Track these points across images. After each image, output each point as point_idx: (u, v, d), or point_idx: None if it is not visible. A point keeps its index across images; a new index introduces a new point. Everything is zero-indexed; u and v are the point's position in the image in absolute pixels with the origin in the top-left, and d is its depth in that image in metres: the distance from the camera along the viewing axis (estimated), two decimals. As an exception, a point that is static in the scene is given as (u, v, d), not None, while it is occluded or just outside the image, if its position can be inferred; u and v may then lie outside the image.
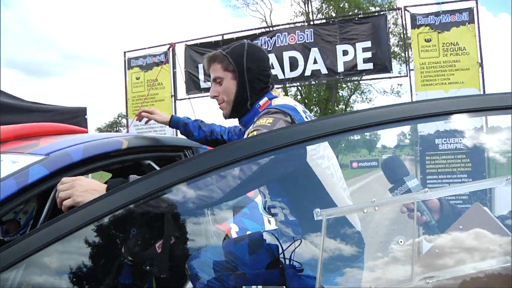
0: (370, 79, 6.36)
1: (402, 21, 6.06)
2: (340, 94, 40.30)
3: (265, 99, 1.72)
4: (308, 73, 6.20)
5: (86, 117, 6.60)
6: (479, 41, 5.82)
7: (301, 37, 6.22)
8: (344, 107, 41.89)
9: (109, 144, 1.81)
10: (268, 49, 6.28)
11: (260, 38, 6.38)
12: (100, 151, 1.74)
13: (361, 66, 6.13)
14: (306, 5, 39.60)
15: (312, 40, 6.20)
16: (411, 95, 6.13)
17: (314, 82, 6.83)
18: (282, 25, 6.83)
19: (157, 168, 2.07)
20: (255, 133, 1.46)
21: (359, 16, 6.26)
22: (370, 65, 6.12)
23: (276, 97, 1.73)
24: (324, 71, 6.18)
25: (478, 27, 5.82)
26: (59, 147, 1.66)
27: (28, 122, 5.70)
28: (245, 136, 1.86)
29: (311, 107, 39.36)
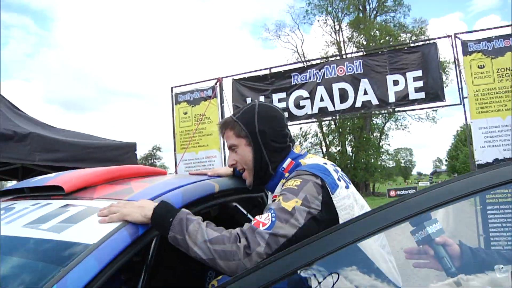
0: (423, 109, 6.17)
1: (453, 49, 5.91)
2: (374, 122, 39.87)
3: (289, 160, 1.62)
4: (358, 104, 6.11)
5: (136, 152, 6.74)
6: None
7: (350, 68, 6.17)
8: (379, 134, 41.33)
9: (204, 189, 1.77)
10: (317, 81, 6.26)
11: (308, 70, 6.38)
12: (197, 196, 1.71)
13: (412, 95, 6.01)
14: (337, 34, 40.00)
15: (362, 71, 6.13)
16: (466, 123, 5.93)
17: (365, 113, 6.69)
18: (332, 56, 6.81)
19: (243, 210, 2.01)
20: (281, 198, 1.38)
21: (409, 45, 6.13)
22: (422, 94, 5.99)
23: (300, 155, 1.63)
24: (375, 101, 6.08)
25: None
26: (156, 193, 1.63)
27: (86, 157, 5.78)
28: (270, 201, 1.78)
29: (346, 136, 39.06)
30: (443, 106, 6.14)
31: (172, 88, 7.45)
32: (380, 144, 41.34)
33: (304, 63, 6.82)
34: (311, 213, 1.35)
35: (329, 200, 1.40)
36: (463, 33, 6.01)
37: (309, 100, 6.30)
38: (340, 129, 38.63)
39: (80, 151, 5.62)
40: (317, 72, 6.31)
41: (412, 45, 6.13)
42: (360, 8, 39.73)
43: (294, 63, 6.59)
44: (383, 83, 6.07)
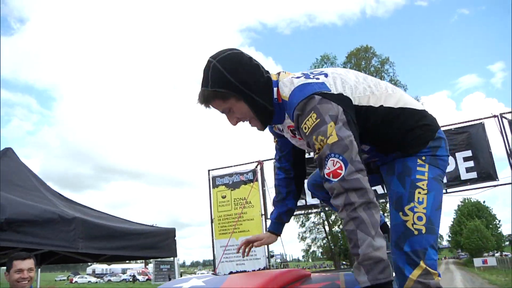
0: (475, 189, 5.97)
1: (500, 128, 5.87)
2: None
3: (275, 90, 1.57)
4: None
5: (175, 238, 6.44)
6: None
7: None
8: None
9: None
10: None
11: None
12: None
13: (464, 176, 5.88)
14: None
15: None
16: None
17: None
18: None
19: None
20: (318, 138, 1.35)
21: (456, 126, 6.12)
22: (473, 174, 5.87)
23: (278, 81, 1.58)
24: (425, 183, 5.89)
25: None
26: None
27: (127, 244, 5.47)
28: (286, 130, 1.68)
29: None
30: (495, 186, 5.94)
31: (209, 171, 7.36)
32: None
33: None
34: (346, 120, 1.36)
35: (340, 96, 1.42)
36: (507, 113, 6.01)
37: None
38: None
39: (121, 238, 5.36)
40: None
41: (459, 126, 6.10)
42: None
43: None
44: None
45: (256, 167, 6.90)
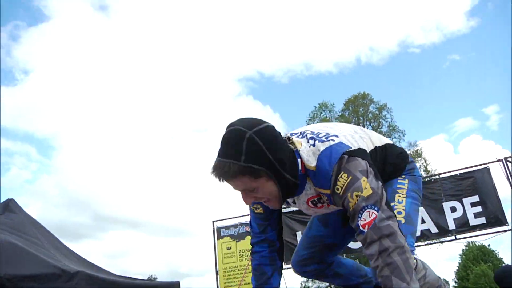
0: (485, 234, 5.88)
1: (506, 173, 5.87)
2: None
3: (299, 161, 1.46)
4: (418, 234, 5.82)
5: (179, 291, 6.23)
6: None
7: (404, 196, 6.05)
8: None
9: None
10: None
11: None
12: None
13: (473, 221, 5.80)
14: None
15: (416, 199, 6.00)
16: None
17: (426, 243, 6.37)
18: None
19: None
20: (354, 194, 1.34)
21: (461, 172, 6.12)
22: (482, 220, 5.79)
23: (298, 151, 1.47)
24: (434, 230, 5.85)
25: None
26: None
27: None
28: (302, 203, 1.61)
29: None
30: (505, 231, 5.85)
31: (213, 222, 7.26)
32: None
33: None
34: (374, 172, 1.39)
35: (360, 150, 1.46)
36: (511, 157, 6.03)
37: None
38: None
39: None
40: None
41: (464, 171, 6.10)
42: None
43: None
44: (440, 211, 5.91)
45: (261, 216, 6.81)
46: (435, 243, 7.23)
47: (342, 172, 1.37)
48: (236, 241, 6.86)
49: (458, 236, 5.91)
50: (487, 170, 5.98)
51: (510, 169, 5.88)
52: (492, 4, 34.98)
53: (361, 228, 1.33)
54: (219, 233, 7.09)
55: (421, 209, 5.98)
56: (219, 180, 1.36)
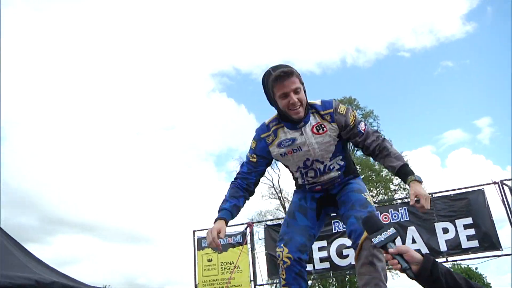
0: (478, 258, 5.66)
1: (501, 195, 5.67)
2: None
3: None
4: (408, 253, 5.58)
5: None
6: None
7: (395, 216, 5.83)
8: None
9: None
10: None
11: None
12: None
13: (465, 244, 5.58)
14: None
15: (408, 219, 5.77)
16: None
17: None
18: (377, 203, 6.50)
19: None
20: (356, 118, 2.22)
21: (455, 192, 5.90)
22: (475, 243, 5.58)
23: None
24: (425, 250, 5.58)
25: None
26: None
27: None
28: (308, 132, 2.18)
29: None
30: (498, 256, 5.63)
31: (194, 231, 6.92)
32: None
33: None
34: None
35: None
36: (508, 180, 5.83)
37: (352, 249, 5.76)
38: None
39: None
40: (360, 218, 5.91)
41: (458, 192, 5.89)
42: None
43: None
44: (431, 231, 5.68)
45: (246, 229, 6.51)
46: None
47: (340, 105, 2.19)
48: (218, 253, 6.52)
49: (449, 259, 5.68)
50: (482, 192, 5.77)
51: (507, 192, 5.68)
52: (492, 8, 32.67)
53: (362, 130, 2.17)
54: (199, 244, 6.75)
55: (412, 228, 5.76)
56: (284, 75, 2.02)
